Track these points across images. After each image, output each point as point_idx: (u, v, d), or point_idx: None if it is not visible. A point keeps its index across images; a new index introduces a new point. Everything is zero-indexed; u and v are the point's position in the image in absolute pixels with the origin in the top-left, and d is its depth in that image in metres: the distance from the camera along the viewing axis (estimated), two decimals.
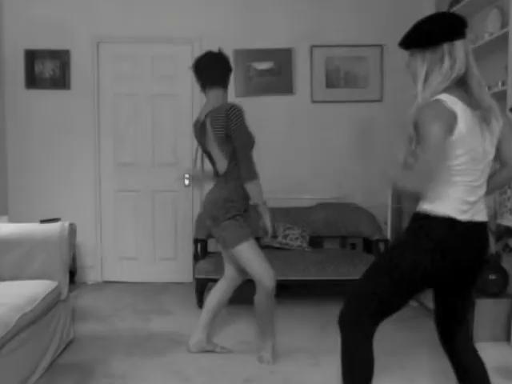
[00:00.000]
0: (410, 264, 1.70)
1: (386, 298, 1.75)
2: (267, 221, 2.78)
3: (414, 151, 1.67)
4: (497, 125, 1.70)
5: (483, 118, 1.66)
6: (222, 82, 2.81)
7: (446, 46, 1.65)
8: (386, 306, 1.77)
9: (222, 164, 2.73)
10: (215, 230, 2.76)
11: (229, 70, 2.84)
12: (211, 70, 2.79)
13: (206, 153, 2.85)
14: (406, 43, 1.73)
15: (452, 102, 1.62)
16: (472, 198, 1.70)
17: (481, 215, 1.74)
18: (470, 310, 1.91)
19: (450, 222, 1.68)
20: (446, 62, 1.64)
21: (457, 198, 1.68)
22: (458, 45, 1.65)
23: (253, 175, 2.67)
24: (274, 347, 2.89)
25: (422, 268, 1.69)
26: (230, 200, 2.70)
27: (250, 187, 2.67)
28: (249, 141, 2.71)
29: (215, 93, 2.79)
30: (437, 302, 1.92)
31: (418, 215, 1.75)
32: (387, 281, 1.73)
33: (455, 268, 1.72)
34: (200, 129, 2.79)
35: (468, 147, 1.65)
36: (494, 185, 1.83)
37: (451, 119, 1.60)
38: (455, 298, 1.84)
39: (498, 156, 1.77)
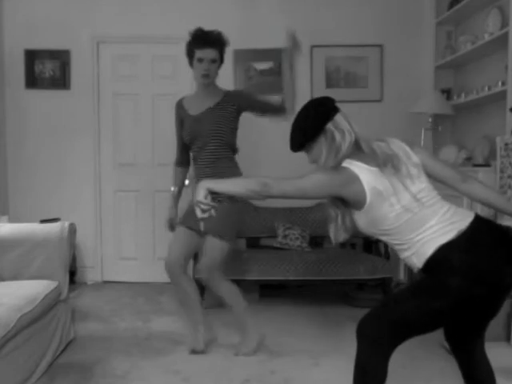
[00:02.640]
0: (440, 305, 1.64)
1: (413, 325, 1.72)
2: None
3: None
4: (410, 164, 1.73)
5: (392, 168, 1.69)
6: None
7: (331, 125, 1.78)
8: (411, 333, 1.75)
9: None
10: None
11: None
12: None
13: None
14: (300, 145, 1.84)
15: (356, 167, 1.68)
16: (433, 221, 1.67)
17: (464, 221, 1.68)
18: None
19: (443, 251, 1.63)
20: (338, 136, 1.76)
21: (433, 231, 1.66)
22: (339, 118, 1.80)
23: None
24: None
25: (453, 305, 1.64)
26: None
27: None
28: None
29: None
30: (459, 319, 1.80)
31: (425, 266, 1.70)
32: (417, 313, 1.68)
33: (484, 287, 1.63)
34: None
35: (391, 203, 1.66)
36: (481, 201, 1.83)
37: (352, 181, 1.66)
38: (485, 311, 1.76)
39: (447, 183, 1.83)
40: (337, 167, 1.72)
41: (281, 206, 4.45)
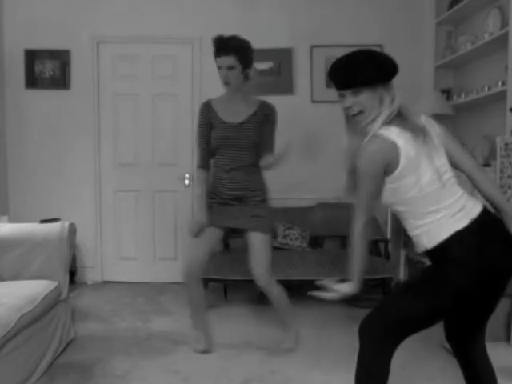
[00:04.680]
0: (441, 299, 1.66)
1: (415, 322, 1.73)
2: None
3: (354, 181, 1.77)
4: (437, 141, 1.75)
5: (423, 140, 1.70)
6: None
7: (388, 84, 1.75)
8: (413, 329, 1.75)
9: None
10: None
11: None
12: None
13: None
14: (355, 82, 1.74)
15: (392, 133, 1.68)
16: (449, 201, 1.69)
17: (475, 208, 1.72)
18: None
19: (455, 238, 1.65)
20: (388, 99, 1.73)
21: (448, 214, 1.67)
22: (391, 83, 1.77)
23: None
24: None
25: (454, 298, 1.66)
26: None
27: None
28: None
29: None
30: (458, 312, 1.83)
31: (430, 251, 1.73)
32: (418, 309, 1.70)
33: (487, 277, 1.66)
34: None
35: (417, 174, 1.67)
36: (486, 195, 1.82)
37: (391, 153, 1.66)
38: (485, 304, 1.80)
39: (463, 168, 1.82)
40: (373, 134, 1.69)
41: (281, 206, 4.45)
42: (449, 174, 1.75)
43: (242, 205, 2.89)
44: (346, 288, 1.83)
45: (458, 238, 1.66)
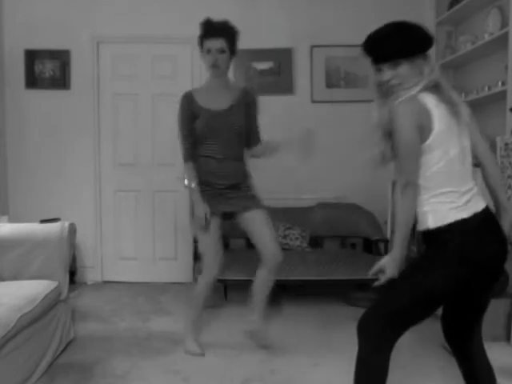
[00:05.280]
0: (434, 282, 1.68)
1: (410, 312, 1.74)
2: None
3: (390, 146, 1.74)
4: (466, 120, 1.75)
5: (456, 113, 1.71)
6: None
7: (426, 55, 1.76)
8: (409, 320, 1.76)
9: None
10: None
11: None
12: None
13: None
14: (394, 54, 1.73)
15: (427, 99, 1.68)
16: (464, 188, 1.71)
17: (480, 203, 1.73)
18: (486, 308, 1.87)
19: (457, 226, 1.67)
20: (427, 69, 1.73)
21: (454, 200, 1.69)
22: (429, 54, 1.78)
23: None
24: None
25: (446, 283, 1.67)
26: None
27: None
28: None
29: None
30: (454, 306, 1.86)
31: (427, 233, 1.74)
32: (411, 296, 1.72)
33: (480, 270, 1.69)
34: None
35: (446, 148, 1.68)
36: (491, 187, 1.83)
37: (425, 116, 1.65)
38: (479, 298, 1.81)
39: (480, 156, 1.82)
40: (410, 96, 1.69)
41: (281, 206, 4.45)
42: (469, 158, 1.75)
43: (236, 190, 2.90)
44: (388, 259, 1.78)
45: (460, 226, 1.67)
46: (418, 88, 1.70)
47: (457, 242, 1.67)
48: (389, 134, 1.72)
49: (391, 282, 1.78)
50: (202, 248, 2.95)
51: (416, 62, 1.72)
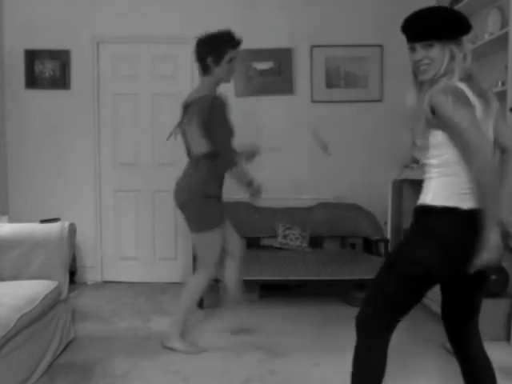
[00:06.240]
0: (417, 263, 1.67)
1: (396, 297, 1.73)
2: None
3: (426, 134, 1.72)
4: (493, 110, 1.78)
5: (486, 104, 1.74)
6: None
7: (461, 40, 1.79)
8: (401, 306, 1.75)
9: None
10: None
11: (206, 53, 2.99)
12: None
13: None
14: (429, 34, 1.76)
15: (468, 92, 1.69)
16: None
17: (474, 201, 1.71)
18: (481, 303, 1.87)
19: (455, 215, 1.65)
20: (460, 54, 1.76)
21: (461, 187, 1.67)
22: (464, 40, 1.81)
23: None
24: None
25: (429, 267, 1.66)
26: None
27: None
28: None
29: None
30: (448, 296, 1.87)
31: (420, 209, 1.74)
32: (395, 280, 1.71)
33: (467, 263, 1.65)
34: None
35: None
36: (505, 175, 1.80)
37: (469, 104, 1.67)
38: (471, 290, 1.80)
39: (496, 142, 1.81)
40: (451, 84, 1.69)
41: (281, 206, 4.45)
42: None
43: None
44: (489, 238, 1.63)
45: (453, 214, 1.65)
46: (457, 76, 1.71)
47: (444, 227, 1.65)
48: (429, 123, 1.70)
49: (380, 272, 1.79)
50: (209, 248, 2.98)
51: (448, 46, 1.75)
